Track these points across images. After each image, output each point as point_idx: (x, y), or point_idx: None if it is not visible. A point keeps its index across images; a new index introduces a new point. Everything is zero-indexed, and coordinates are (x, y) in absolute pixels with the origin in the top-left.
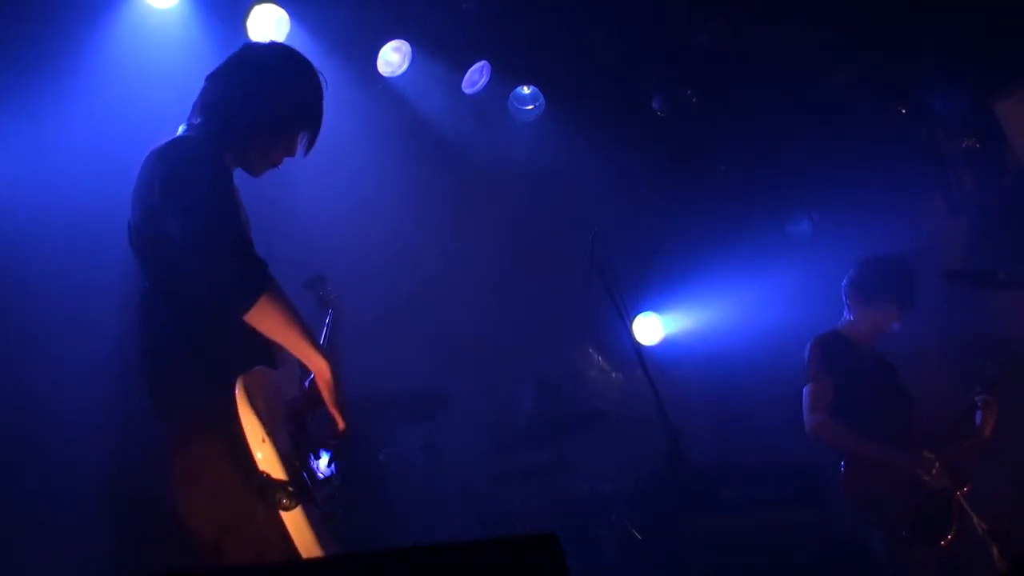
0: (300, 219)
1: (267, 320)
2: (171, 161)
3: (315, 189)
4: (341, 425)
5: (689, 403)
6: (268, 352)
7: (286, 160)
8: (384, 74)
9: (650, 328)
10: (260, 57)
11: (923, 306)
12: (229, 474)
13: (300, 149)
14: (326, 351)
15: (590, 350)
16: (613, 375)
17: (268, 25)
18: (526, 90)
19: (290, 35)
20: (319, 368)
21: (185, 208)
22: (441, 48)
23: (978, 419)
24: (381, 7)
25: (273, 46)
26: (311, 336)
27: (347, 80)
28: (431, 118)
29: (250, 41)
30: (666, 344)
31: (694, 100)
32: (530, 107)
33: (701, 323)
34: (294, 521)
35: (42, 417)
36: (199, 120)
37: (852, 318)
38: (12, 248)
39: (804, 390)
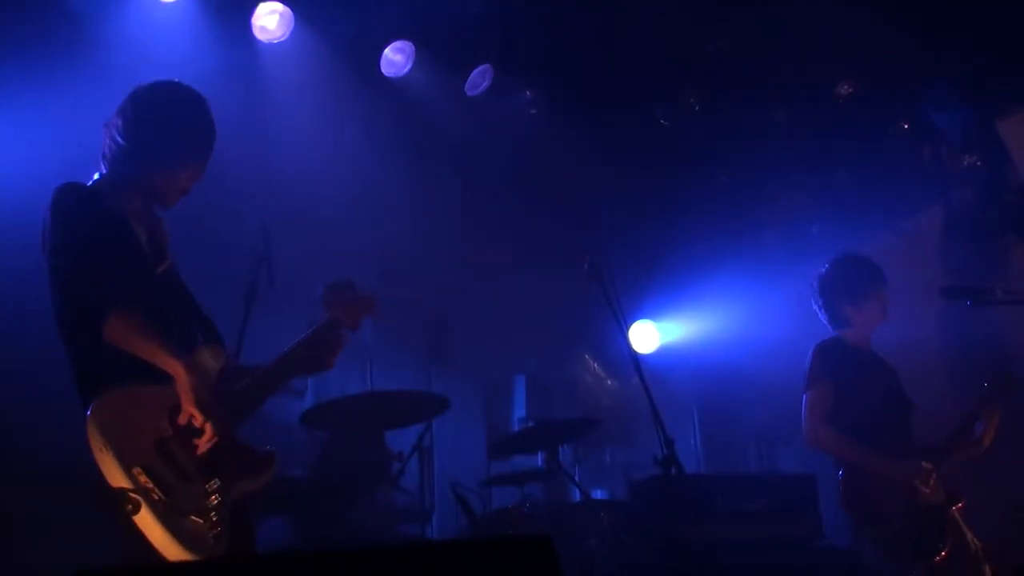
0: (300, 221)
1: (121, 340)
2: (50, 207)
3: (316, 190)
4: (197, 421)
5: (685, 412)
6: (144, 368)
7: (286, 161)
8: (388, 75)
9: (647, 336)
10: (145, 99)
11: (924, 318)
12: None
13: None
14: (183, 356)
15: (586, 356)
16: (609, 382)
17: (273, 24)
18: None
19: (294, 34)
20: (174, 371)
21: (51, 251)
22: (445, 50)
23: (979, 429)
24: (386, 8)
25: (158, 85)
26: (164, 346)
27: (350, 80)
28: (433, 120)
29: (138, 84)
30: (662, 352)
31: (696, 108)
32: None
33: (698, 332)
34: (144, 523)
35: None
36: (104, 168)
37: (850, 326)
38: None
39: (803, 397)
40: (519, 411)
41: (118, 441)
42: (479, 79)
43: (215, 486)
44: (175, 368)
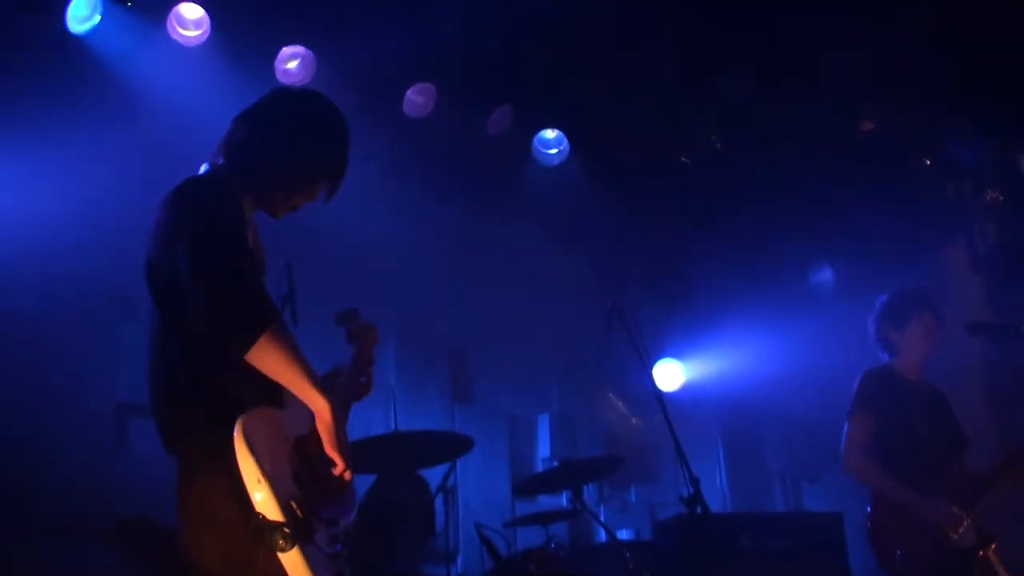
0: (323, 259)
1: (266, 359)
2: (183, 199)
3: (339, 229)
4: (339, 467)
5: (710, 450)
6: (274, 392)
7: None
8: (410, 115)
9: (671, 373)
10: (288, 105)
11: (962, 353)
12: (232, 515)
13: (322, 195)
14: (328, 392)
15: (610, 395)
16: (633, 420)
17: (295, 66)
18: (550, 134)
19: (316, 76)
20: (318, 409)
21: (192, 245)
22: (466, 90)
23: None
24: (406, 49)
25: (303, 93)
26: (311, 376)
27: (371, 120)
28: (456, 159)
29: (282, 86)
30: (686, 390)
31: (718, 146)
32: (554, 151)
33: (721, 369)
34: (292, 562)
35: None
36: (222, 160)
37: (897, 352)
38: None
39: (844, 424)
40: (543, 450)
41: (273, 468)
42: (501, 118)
43: (337, 530)
44: (319, 404)
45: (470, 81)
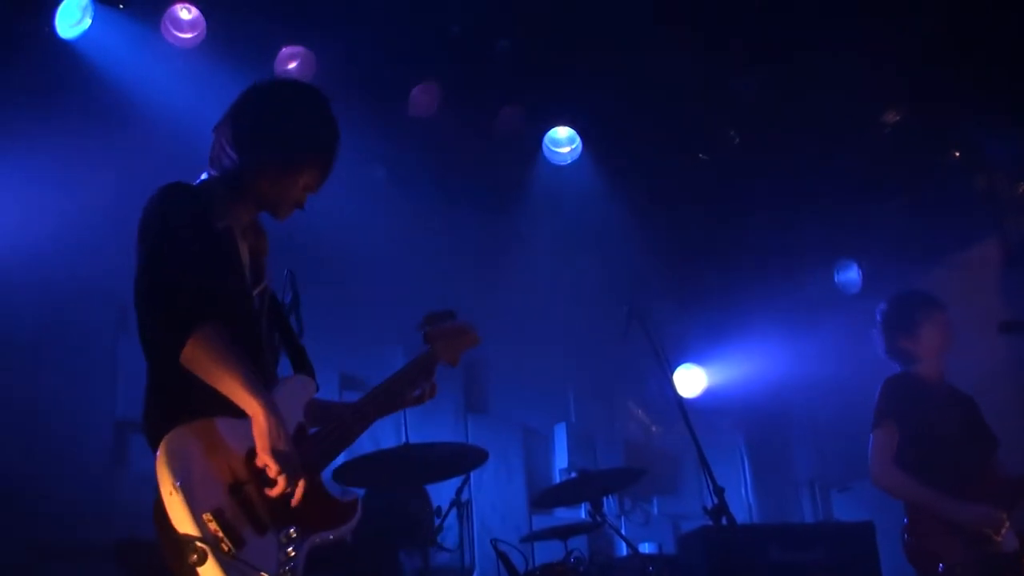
0: (327, 267)
1: (196, 363)
2: (145, 209)
3: (343, 234)
4: (271, 471)
5: (734, 458)
6: (226, 399)
7: (311, 203)
8: (416, 115)
9: (692, 379)
10: (261, 96)
11: (992, 352)
12: (170, 525)
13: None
14: (264, 395)
15: (629, 402)
16: (653, 429)
17: (294, 65)
18: (562, 132)
19: (317, 77)
20: (251, 411)
21: (143, 252)
22: (472, 90)
23: None
24: (411, 48)
25: (276, 82)
26: (243, 380)
27: (376, 121)
28: (463, 162)
29: (255, 81)
30: (708, 396)
31: (736, 141)
32: (566, 150)
33: (744, 374)
34: None
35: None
36: (214, 170)
37: (916, 361)
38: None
39: (870, 436)
40: (560, 461)
41: (190, 481)
42: (509, 119)
43: (292, 535)
44: (252, 407)
45: (476, 79)
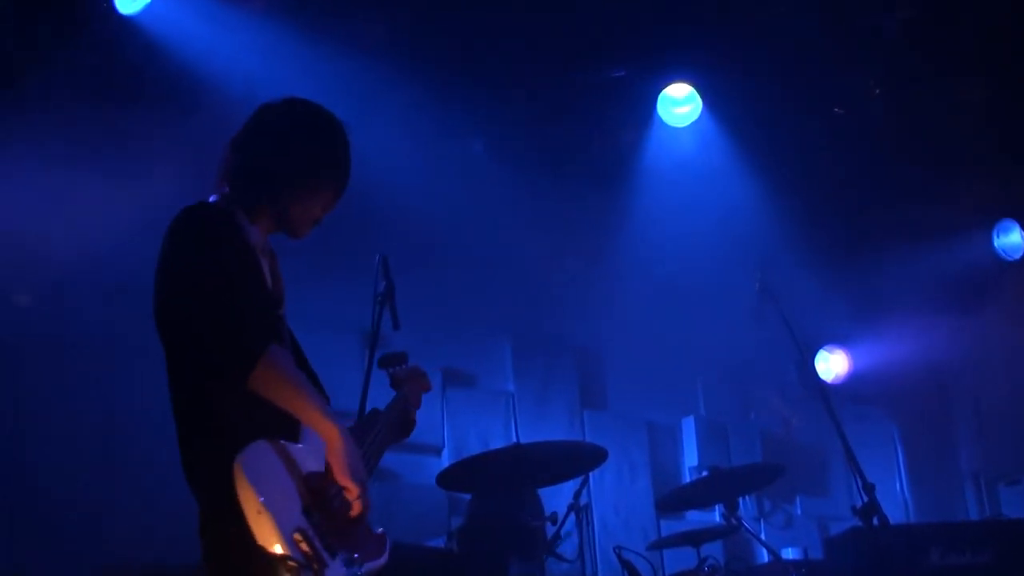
0: (422, 253)
1: (266, 387)
2: (174, 233)
3: (439, 217)
4: (351, 494)
5: (886, 451)
6: (284, 428)
7: (402, 184)
8: None
9: (835, 363)
10: (275, 117)
11: None
12: (245, 550)
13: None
14: (335, 418)
15: (764, 391)
16: (793, 420)
17: None
18: (679, 90)
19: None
20: (326, 435)
21: (180, 276)
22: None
23: None
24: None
25: (288, 102)
26: (316, 402)
27: (467, 93)
28: (570, 130)
29: (267, 101)
30: (855, 381)
31: (877, 92)
32: (684, 109)
33: (897, 356)
34: None
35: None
36: (227, 188)
37: None
38: None
39: None
40: (690, 459)
41: (273, 500)
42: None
43: (355, 559)
44: (329, 430)
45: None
